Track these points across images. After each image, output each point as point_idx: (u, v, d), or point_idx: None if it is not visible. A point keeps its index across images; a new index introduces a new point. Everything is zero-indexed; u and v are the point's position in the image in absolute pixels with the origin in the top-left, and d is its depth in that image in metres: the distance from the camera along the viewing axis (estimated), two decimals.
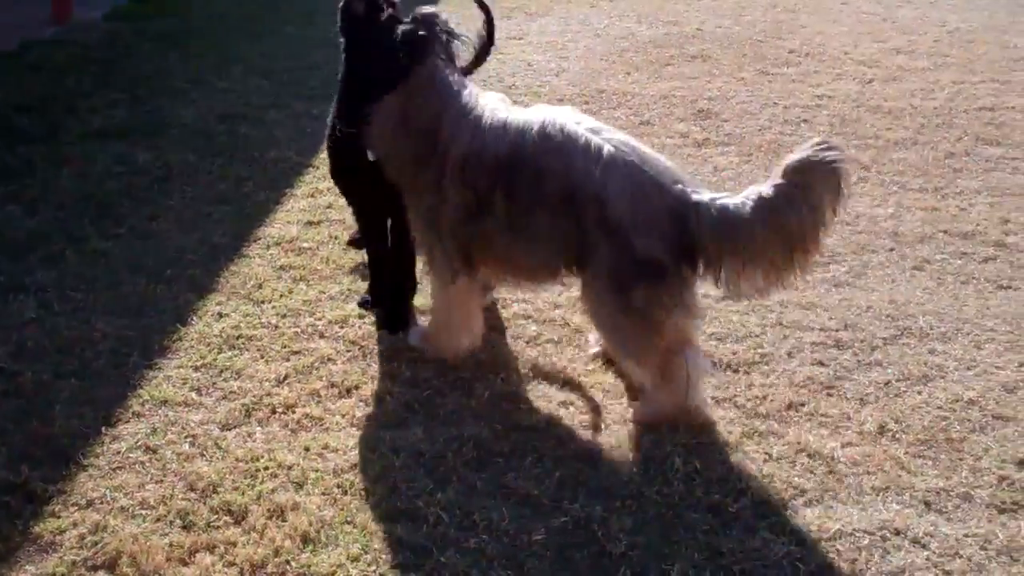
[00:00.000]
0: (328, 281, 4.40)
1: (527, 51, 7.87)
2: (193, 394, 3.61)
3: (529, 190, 3.42)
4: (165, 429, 3.42)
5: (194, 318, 4.08)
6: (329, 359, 3.84)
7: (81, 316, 4.08)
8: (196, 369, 3.75)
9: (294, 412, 3.53)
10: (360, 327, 4.04)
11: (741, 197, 3.25)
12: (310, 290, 4.32)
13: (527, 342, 3.99)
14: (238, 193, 5.23)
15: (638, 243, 3.25)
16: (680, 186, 3.33)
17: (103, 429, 3.40)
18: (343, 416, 3.52)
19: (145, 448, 3.33)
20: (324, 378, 3.72)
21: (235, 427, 3.45)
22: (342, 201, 5.05)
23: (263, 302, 4.23)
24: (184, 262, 4.52)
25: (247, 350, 3.89)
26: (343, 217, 4.95)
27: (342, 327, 4.05)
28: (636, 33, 8.39)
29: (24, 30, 8.37)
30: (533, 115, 3.52)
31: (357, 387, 3.68)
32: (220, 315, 4.12)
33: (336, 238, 4.76)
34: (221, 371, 3.75)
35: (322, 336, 4.00)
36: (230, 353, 3.86)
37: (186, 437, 3.39)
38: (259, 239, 4.76)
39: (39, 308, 4.12)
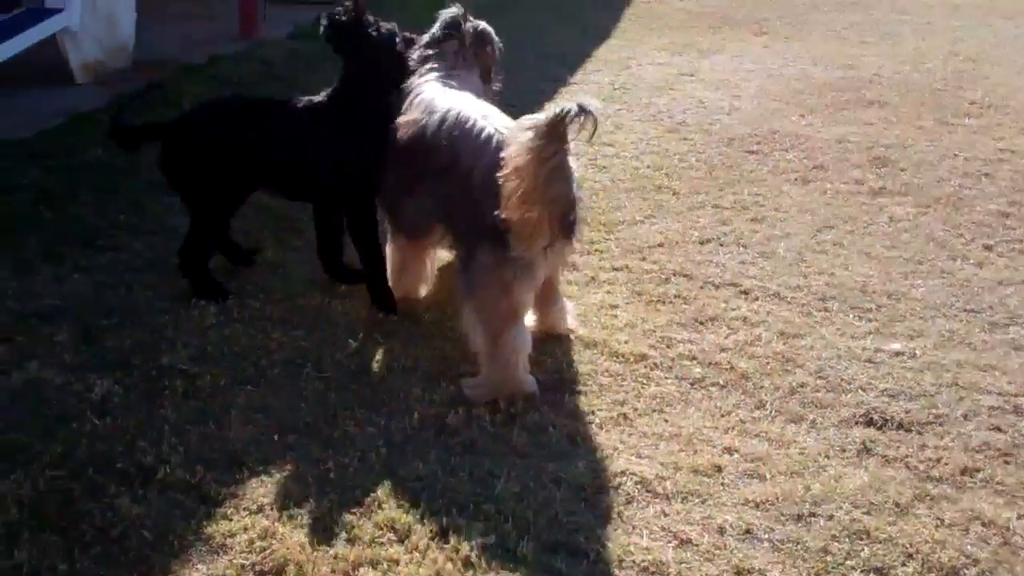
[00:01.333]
0: None
1: (698, 88, 7.84)
2: (363, 409, 3.68)
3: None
4: (334, 443, 3.49)
5: (364, 333, 4.17)
6: None
7: (258, 325, 4.21)
8: (367, 385, 3.83)
9: (458, 436, 3.57)
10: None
11: None
12: None
13: (691, 384, 3.96)
14: None
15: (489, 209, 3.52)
16: None
17: (275, 437, 3.50)
18: (507, 443, 3.54)
19: (314, 460, 3.40)
20: (489, 404, 3.75)
21: (402, 445, 3.50)
22: None
23: (432, 324, 4.29)
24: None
25: (417, 371, 3.95)
26: None
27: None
28: (811, 75, 8.27)
29: (213, 45, 8.73)
30: (447, 102, 4.06)
31: (520, 415, 3.69)
32: (389, 333, 4.19)
33: None
34: (392, 390, 3.81)
35: None
36: (400, 373, 3.92)
37: (355, 452, 3.45)
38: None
39: (219, 314, 4.27)
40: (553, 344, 4.12)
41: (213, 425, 3.53)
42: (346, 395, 3.77)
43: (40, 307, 4.30)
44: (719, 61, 8.73)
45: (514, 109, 7.01)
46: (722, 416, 3.76)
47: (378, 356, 4.03)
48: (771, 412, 3.79)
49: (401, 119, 4.14)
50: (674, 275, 4.76)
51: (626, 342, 4.18)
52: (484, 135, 3.82)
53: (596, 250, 4.99)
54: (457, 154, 3.85)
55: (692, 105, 7.38)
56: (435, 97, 4.15)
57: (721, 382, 3.96)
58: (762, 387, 3.93)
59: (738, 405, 3.83)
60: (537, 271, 3.70)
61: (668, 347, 4.18)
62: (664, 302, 4.53)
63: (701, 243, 5.10)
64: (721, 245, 5.08)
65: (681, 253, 4.99)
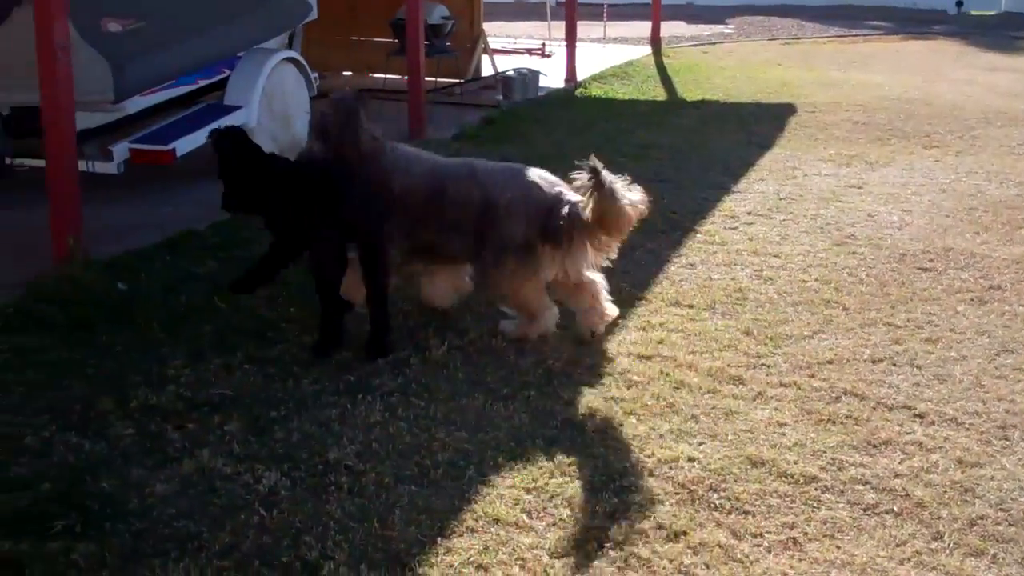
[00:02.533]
0: (658, 418, 4.36)
1: (867, 201, 7.69)
2: (524, 516, 3.63)
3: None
4: (496, 549, 3.45)
5: (528, 440, 4.14)
6: (657, 499, 3.78)
7: (422, 424, 4.22)
8: (528, 491, 3.78)
9: (621, 550, 3.48)
10: (690, 470, 3.97)
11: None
12: (640, 425, 4.30)
13: (864, 510, 3.79)
14: (574, 320, 5.31)
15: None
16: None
17: (438, 540, 3.47)
18: (670, 561, 3.44)
19: (477, 566, 3.36)
20: (652, 518, 3.66)
21: (563, 556, 3.43)
22: (675, 337, 5.08)
23: (594, 432, 4.24)
24: (520, 383, 4.62)
25: (577, 479, 3.89)
26: (674, 354, 4.94)
27: (671, 468, 3.99)
28: (985, 191, 8.04)
29: None
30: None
31: (685, 532, 3.59)
32: (552, 440, 4.15)
33: (667, 375, 4.74)
34: (552, 497, 3.76)
35: (651, 474, 3.95)
36: (561, 480, 3.87)
37: (516, 560, 3.40)
38: (591, 368, 4.80)
39: (384, 411, 4.30)
40: (722, 461, 4.01)
41: (377, 524, 3.53)
42: (508, 499, 3.72)
43: (211, 396, 4.41)
44: (888, 174, 8.57)
45: (675, 216, 7.07)
46: (897, 546, 3.58)
47: (541, 462, 3.98)
48: (949, 544, 3.60)
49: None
50: (845, 394, 4.61)
51: (795, 462, 4.05)
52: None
53: (763, 364, 4.88)
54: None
55: (861, 218, 7.23)
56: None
57: (896, 509, 3.79)
58: (939, 517, 3.74)
59: (914, 535, 3.64)
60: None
61: (839, 470, 4.03)
62: (834, 422, 4.38)
63: (873, 362, 4.94)
64: (894, 365, 4.91)
65: (852, 372, 4.84)
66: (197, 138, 7.16)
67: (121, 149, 6.84)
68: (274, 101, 8.02)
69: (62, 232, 5.65)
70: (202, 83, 7.77)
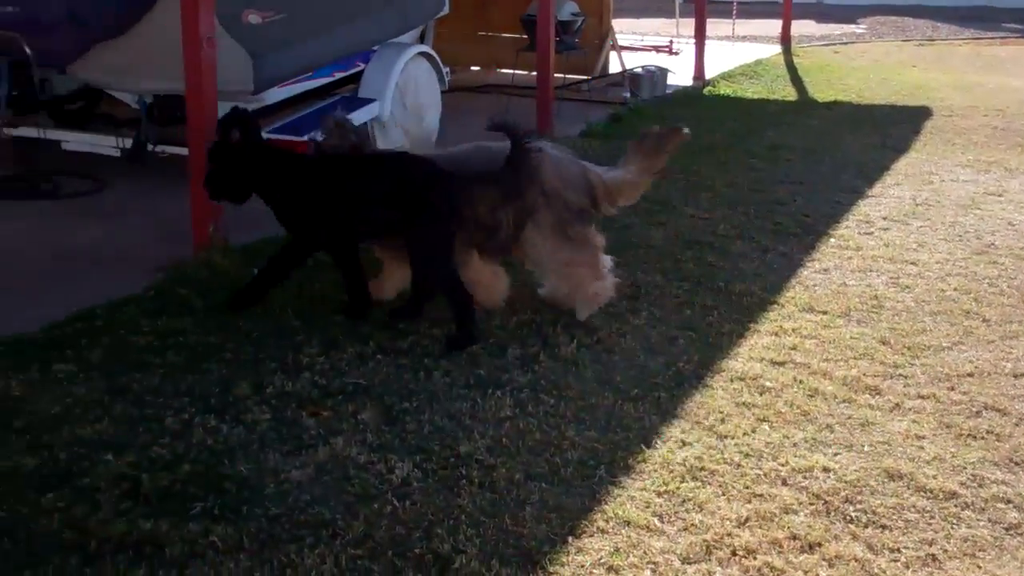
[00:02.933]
0: (792, 426, 4.29)
1: (1008, 209, 7.45)
2: (656, 520, 3.60)
3: None
4: (627, 551, 3.42)
5: (658, 442, 4.10)
6: (791, 509, 3.71)
7: (552, 422, 4.22)
8: (659, 495, 3.75)
9: (755, 559, 3.43)
10: (825, 480, 3.89)
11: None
12: (773, 432, 4.23)
13: (1007, 529, 3.67)
14: (703, 322, 5.26)
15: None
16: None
17: (569, 539, 3.46)
18: (805, 573, 3.37)
19: (608, 567, 3.34)
20: (786, 528, 3.60)
21: (695, 562, 3.39)
22: (808, 344, 4.98)
23: (726, 437, 4.18)
24: (650, 384, 4.58)
25: (709, 484, 3.84)
26: (808, 361, 4.85)
27: (806, 477, 3.91)
28: None
29: None
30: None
31: (820, 544, 3.52)
32: (683, 443, 4.11)
33: (801, 382, 4.65)
34: (683, 501, 3.72)
35: (785, 483, 3.88)
36: (692, 484, 3.83)
37: (648, 563, 3.37)
38: (723, 371, 4.74)
39: (515, 407, 4.31)
40: (858, 473, 3.93)
41: (508, 520, 3.53)
42: (639, 502, 3.70)
43: (345, 385, 4.47)
44: None
45: (808, 219, 6.95)
46: None
47: (673, 465, 3.94)
48: None
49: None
50: (986, 408, 4.47)
51: (934, 477, 3.94)
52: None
53: (900, 375, 4.76)
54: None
55: (1001, 226, 7.01)
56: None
57: None
58: None
59: None
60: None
61: (980, 486, 3.91)
62: (975, 437, 4.25)
63: (1015, 376, 4.78)
64: None
65: (993, 385, 4.69)
66: None
67: None
68: (407, 95, 8.09)
69: (202, 219, 5.78)
70: (337, 76, 7.87)
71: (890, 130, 10.12)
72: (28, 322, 4.95)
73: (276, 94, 7.16)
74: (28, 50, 7.51)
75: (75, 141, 7.57)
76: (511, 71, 11.20)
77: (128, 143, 7.16)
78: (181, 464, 3.80)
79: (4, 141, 7.96)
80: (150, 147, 7.08)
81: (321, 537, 3.42)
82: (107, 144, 7.34)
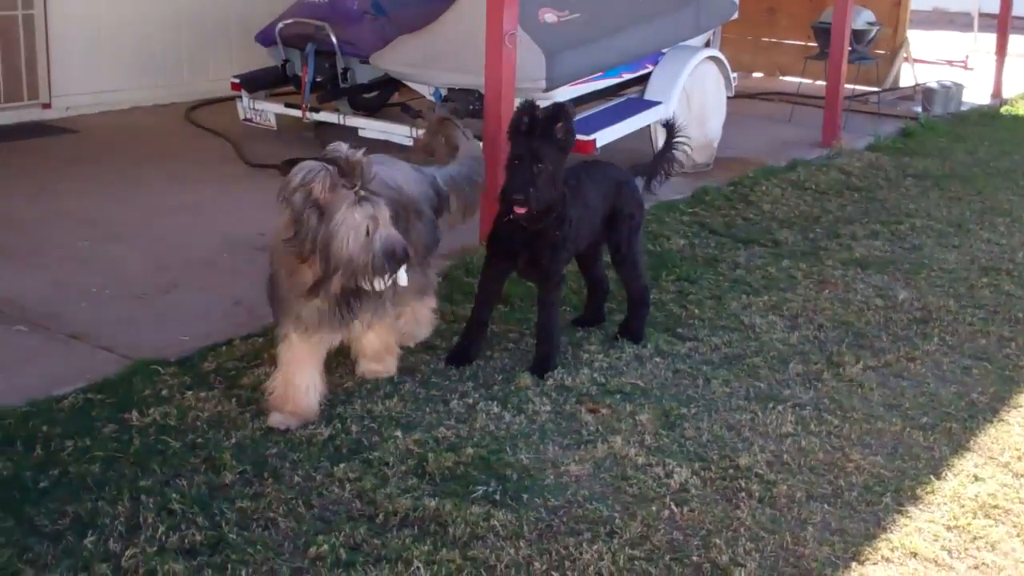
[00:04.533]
0: None
1: None
2: (944, 554, 3.44)
3: None
4: None
5: (948, 474, 3.92)
6: None
7: (835, 442, 4.10)
8: (948, 529, 3.58)
9: None
10: None
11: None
12: None
13: None
14: (1000, 353, 4.98)
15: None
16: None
17: (852, 564, 3.35)
18: None
19: None
20: None
21: None
22: None
23: (1022, 475, 3.95)
24: (940, 413, 4.38)
25: (1003, 523, 3.64)
26: None
27: None
28: None
29: (795, 149, 8.82)
30: None
31: None
32: (976, 478, 3.91)
33: None
34: (974, 538, 3.54)
35: None
36: (984, 521, 3.64)
37: None
38: (1020, 407, 4.48)
39: (796, 424, 4.21)
40: None
41: (789, 537, 3.45)
42: (927, 534, 3.54)
43: (623, 384, 4.48)
44: None
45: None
46: None
47: (964, 500, 3.75)
48: None
49: None
50: None
51: None
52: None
53: None
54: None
55: None
56: None
57: None
58: None
59: None
60: None
61: None
62: None
63: None
64: None
65: None
66: (618, 130, 7.30)
67: None
68: (692, 99, 8.04)
69: (492, 211, 5.90)
70: (626, 76, 7.90)
71: None
72: None
73: (564, 93, 7.24)
74: (334, 39, 7.92)
75: (372, 128, 7.91)
76: (797, 79, 10.95)
77: (421, 133, 7.41)
78: (465, 447, 3.90)
79: (305, 125, 8.42)
80: None
81: (599, 534, 3.44)
82: (401, 133, 7.63)
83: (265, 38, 8.40)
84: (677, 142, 5.15)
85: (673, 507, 3.60)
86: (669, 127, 5.19)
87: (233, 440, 3.88)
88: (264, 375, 4.26)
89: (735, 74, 8.79)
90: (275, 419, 4.02)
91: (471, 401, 4.26)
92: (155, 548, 3.23)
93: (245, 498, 3.53)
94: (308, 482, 3.65)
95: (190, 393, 4.18)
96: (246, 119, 8.45)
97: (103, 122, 8.92)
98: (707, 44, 9.04)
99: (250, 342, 4.64)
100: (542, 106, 4.43)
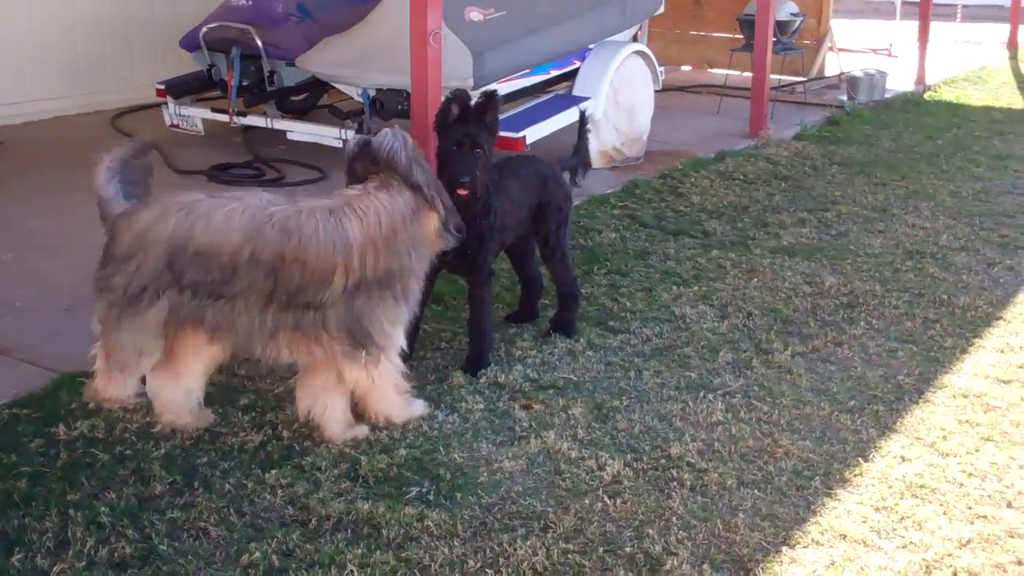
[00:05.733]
0: (1018, 447, 4.09)
1: None
2: (873, 535, 3.49)
3: None
4: (843, 565, 3.33)
5: (876, 456, 3.98)
6: (1017, 533, 3.55)
7: (765, 428, 4.15)
8: (877, 510, 3.64)
9: None
10: None
11: None
12: (999, 453, 4.05)
13: None
14: (925, 335, 5.07)
15: None
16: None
17: (783, 549, 3.39)
18: None
19: None
20: (1011, 552, 3.44)
21: None
22: None
23: (948, 455, 4.02)
24: (868, 396, 4.45)
25: (930, 502, 3.70)
26: None
27: None
28: None
29: (722, 141, 8.90)
30: None
31: None
32: (903, 459, 3.98)
33: None
34: (902, 518, 3.60)
35: (1010, 506, 3.71)
36: (912, 501, 3.70)
37: None
38: (945, 387, 4.56)
39: (726, 412, 4.25)
40: None
41: (720, 525, 3.49)
42: (855, 516, 3.59)
43: (555, 379, 4.50)
44: None
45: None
46: None
47: (891, 480, 3.82)
48: None
49: None
50: None
51: None
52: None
53: None
54: None
55: None
56: None
57: None
58: None
59: None
60: None
61: None
62: None
63: None
64: None
65: None
66: (547, 127, 7.33)
67: None
68: (620, 93, 8.09)
69: None
70: (554, 73, 7.93)
71: None
72: None
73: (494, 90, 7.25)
74: (259, 42, 7.86)
75: (300, 131, 7.87)
76: (724, 71, 11.05)
77: (350, 135, 7.39)
78: (398, 448, 3.90)
79: (233, 130, 8.35)
80: None
81: (533, 529, 3.45)
82: (330, 135, 7.60)
83: (190, 43, 8.32)
84: (588, 130, 5.27)
85: (606, 499, 3.62)
86: (580, 117, 5.25)
87: (162, 450, 3.84)
88: None
89: (662, 68, 8.86)
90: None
91: None
92: (84, 563, 3.20)
93: (175, 508, 3.50)
94: (239, 490, 3.63)
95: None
96: (173, 125, 8.38)
97: (26, 133, 8.78)
98: (634, 39, 9.11)
99: None
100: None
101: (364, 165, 3.94)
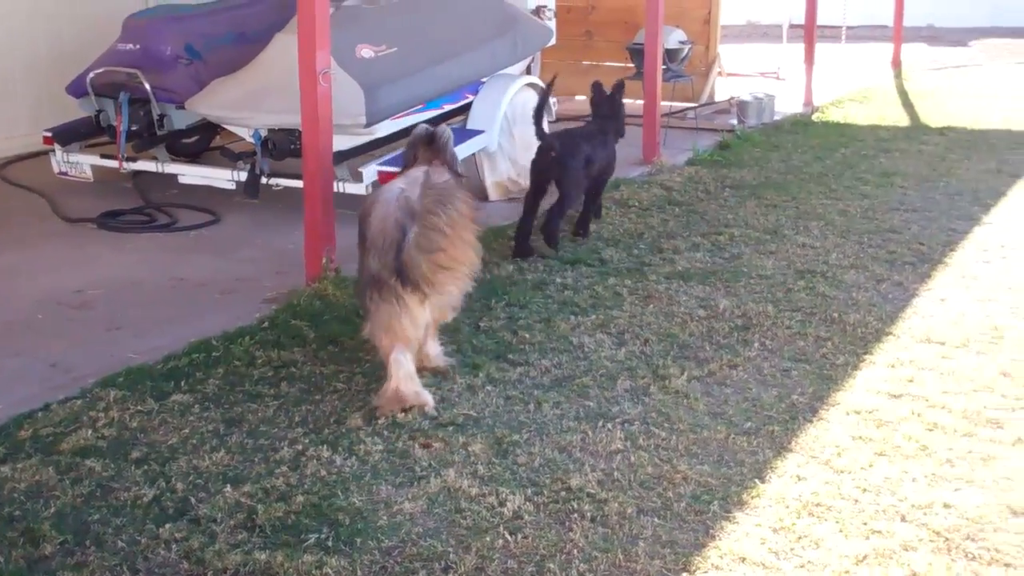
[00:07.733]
0: (910, 461, 4.18)
1: None
2: (772, 557, 3.53)
3: None
4: None
5: (773, 476, 4.04)
6: (911, 546, 3.61)
7: (663, 455, 4.18)
8: (775, 531, 3.68)
9: None
10: (946, 517, 3.78)
11: None
12: (891, 467, 4.13)
13: None
14: (817, 353, 5.16)
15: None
16: None
17: (683, 575, 3.42)
18: None
19: None
20: (906, 566, 3.50)
21: None
22: (926, 376, 4.87)
23: (842, 472, 4.09)
24: (763, 417, 4.51)
25: (826, 520, 3.76)
26: (926, 394, 4.73)
27: (926, 514, 3.81)
28: None
29: (618, 168, 8.95)
30: None
31: None
32: (799, 478, 4.03)
33: (920, 415, 4.54)
34: (799, 538, 3.65)
35: (904, 520, 3.78)
36: (808, 520, 3.75)
37: None
38: (838, 404, 4.65)
39: (625, 440, 4.28)
40: (980, 509, 3.81)
41: (621, 555, 3.50)
42: (754, 538, 3.63)
43: (455, 416, 4.48)
44: None
45: (923, 248, 6.79)
46: None
47: (788, 501, 3.87)
48: None
49: None
50: None
51: None
52: None
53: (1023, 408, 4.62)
54: None
55: None
56: None
57: None
58: None
59: None
60: None
61: None
62: None
63: None
64: None
65: None
66: None
67: (370, 171, 7.06)
68: (515, 125, 8.13)
69: (316, 250, 5.88)
70: (447, 108, 7.95)
71: (1006, 156, 9.85)
72: (146, 353, 5.08)
73: (385, 127, 7.24)
74: (148, 86, 7.76)
75: (191, 175, 7.77)
76: None
77: (243, 176, 7.32)
78: (295, 495, 3.85)
79: (123, 175, 8.22)
80: (264, 180, 7.22)
81: (434, 571, 3.43)
82: (222, 177, 7.51)
83: (76, 89, 8.17)
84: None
85: (507, 536, 3.61)
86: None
87: (53, 509, 3.75)
88: (83, 439, 4.14)
89: (555, 99, 8.93)
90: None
91: (301, 447, 4.21)
92: None
93: (66, 569, 3.41)
94: (132, 546, 3.55)
95: (5, 464, 4.02)
96: (61, 173, 8.20)
97: None
98: (527, 71, 9.18)
99: (68, 405, 4.49)
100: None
101: (423, 150, 5.03)
